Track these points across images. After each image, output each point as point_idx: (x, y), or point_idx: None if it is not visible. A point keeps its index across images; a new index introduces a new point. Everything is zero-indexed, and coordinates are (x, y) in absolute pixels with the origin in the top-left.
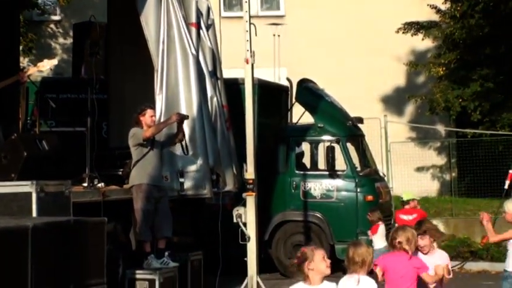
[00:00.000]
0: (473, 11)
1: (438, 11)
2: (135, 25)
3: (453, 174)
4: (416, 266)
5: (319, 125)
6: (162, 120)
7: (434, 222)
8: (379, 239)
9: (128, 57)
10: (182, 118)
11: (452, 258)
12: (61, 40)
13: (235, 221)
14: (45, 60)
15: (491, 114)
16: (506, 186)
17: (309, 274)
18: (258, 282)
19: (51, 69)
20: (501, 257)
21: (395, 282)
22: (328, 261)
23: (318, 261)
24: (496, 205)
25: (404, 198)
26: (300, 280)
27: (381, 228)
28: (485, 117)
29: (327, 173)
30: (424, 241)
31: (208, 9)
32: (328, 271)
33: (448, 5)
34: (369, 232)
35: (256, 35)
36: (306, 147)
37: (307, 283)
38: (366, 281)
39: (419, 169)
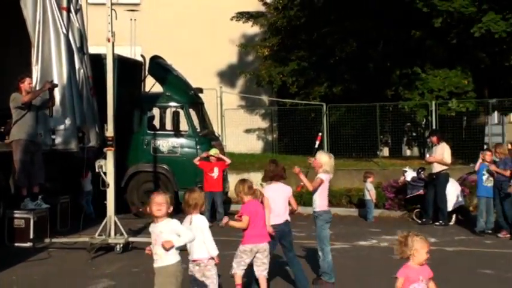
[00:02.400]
0: (292, 4)
1: (264, 3)
2: (16, 8)
3: (274, 136)
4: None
5: (167, 93)
6: (37, 87)
7: (259, 174)
8: (88, 183)
9: (9, 35)
10: (53, 86)
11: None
12: None
13: (97, 170)
14: None
15: (306, 88)
16: (316, 146)
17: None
18: (115, 221)
19: None
20: (311, 202)
21: (257, 221)
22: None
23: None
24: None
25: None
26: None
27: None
28: (301, 90)
29: (173, 133)
30: None
31: None
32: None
33: None
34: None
35: (116, 19)
36: (156, 111)
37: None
38: (198, 219)
39: (248, 131)
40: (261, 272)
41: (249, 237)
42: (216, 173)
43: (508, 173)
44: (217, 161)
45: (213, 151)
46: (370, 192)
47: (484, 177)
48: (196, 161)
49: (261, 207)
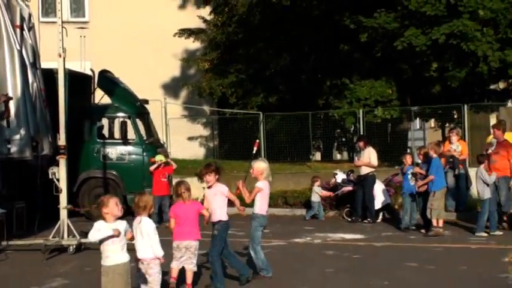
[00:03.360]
0: (230, 21)
1: (205, 21)
2: None
3: (215, 143)
4: (195, 208)
5: (115, 105)
6: None
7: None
8: None
9: None
10: (8, 99)
11: None
12: None
13: (50, 177)
14: None
15: (244, 98)
16: (254, 152)
17: (105, 216)
18: (68, 224)
19: None
20: (251, 203)
21: (183, 222)
22: (120, 206)
23: (112, 206)
24: (247, 166)
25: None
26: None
27: None
28: (239, 101)
29: (121, 141)
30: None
31: (30, 15)
32: (119, 213)
33: (212, 16)
34: None
35: (67, 36)
36: (105, 121)
37: (104, 222)
38: (146, 221)
39: (191, 138)
40: (187, 265)
41: (176, 234)
42: (167, 177)
43: (424, 172)
44: (165, 167)
45: (160, 157)
46: (320, 194)
47: (409, 177)
48: (152, 169)
49: (189, 209)
